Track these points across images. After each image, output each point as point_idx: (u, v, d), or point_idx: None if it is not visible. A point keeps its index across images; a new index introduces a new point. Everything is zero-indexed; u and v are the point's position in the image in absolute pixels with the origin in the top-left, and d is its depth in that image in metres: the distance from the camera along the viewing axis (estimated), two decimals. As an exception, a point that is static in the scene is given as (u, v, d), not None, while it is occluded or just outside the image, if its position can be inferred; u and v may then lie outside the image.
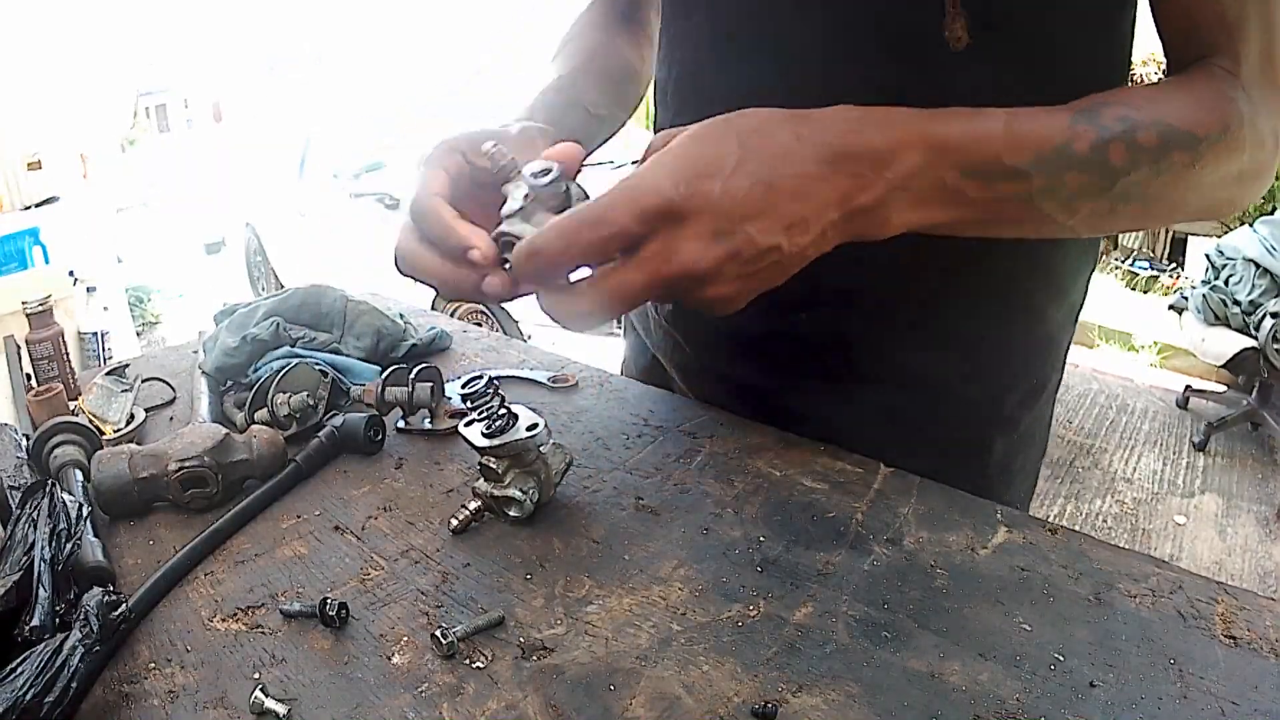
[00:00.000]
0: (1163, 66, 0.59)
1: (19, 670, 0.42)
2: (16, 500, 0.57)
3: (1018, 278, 0.68)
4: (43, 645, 0.44)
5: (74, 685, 0.43)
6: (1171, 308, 3.77)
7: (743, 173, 0.44)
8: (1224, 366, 3.46)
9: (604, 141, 0.75)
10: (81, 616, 0.46)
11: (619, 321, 0.93)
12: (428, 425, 0.73)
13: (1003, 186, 0.49)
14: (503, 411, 0.57)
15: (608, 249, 0.45)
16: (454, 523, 0.56)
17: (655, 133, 0.82)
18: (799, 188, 0.45)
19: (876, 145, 0.46)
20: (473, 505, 0.56)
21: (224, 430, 0.64)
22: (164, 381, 0.86)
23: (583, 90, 0.73)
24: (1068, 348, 0.77)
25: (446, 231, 0.50)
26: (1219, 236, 3.82)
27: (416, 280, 0.53)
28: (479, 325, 1.59)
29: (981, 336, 0.69)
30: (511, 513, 0.55)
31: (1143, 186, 0.50)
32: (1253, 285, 3.31)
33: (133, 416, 0.78)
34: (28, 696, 0.41)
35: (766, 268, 0.46)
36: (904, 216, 0.48)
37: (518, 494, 0.55)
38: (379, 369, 0.81)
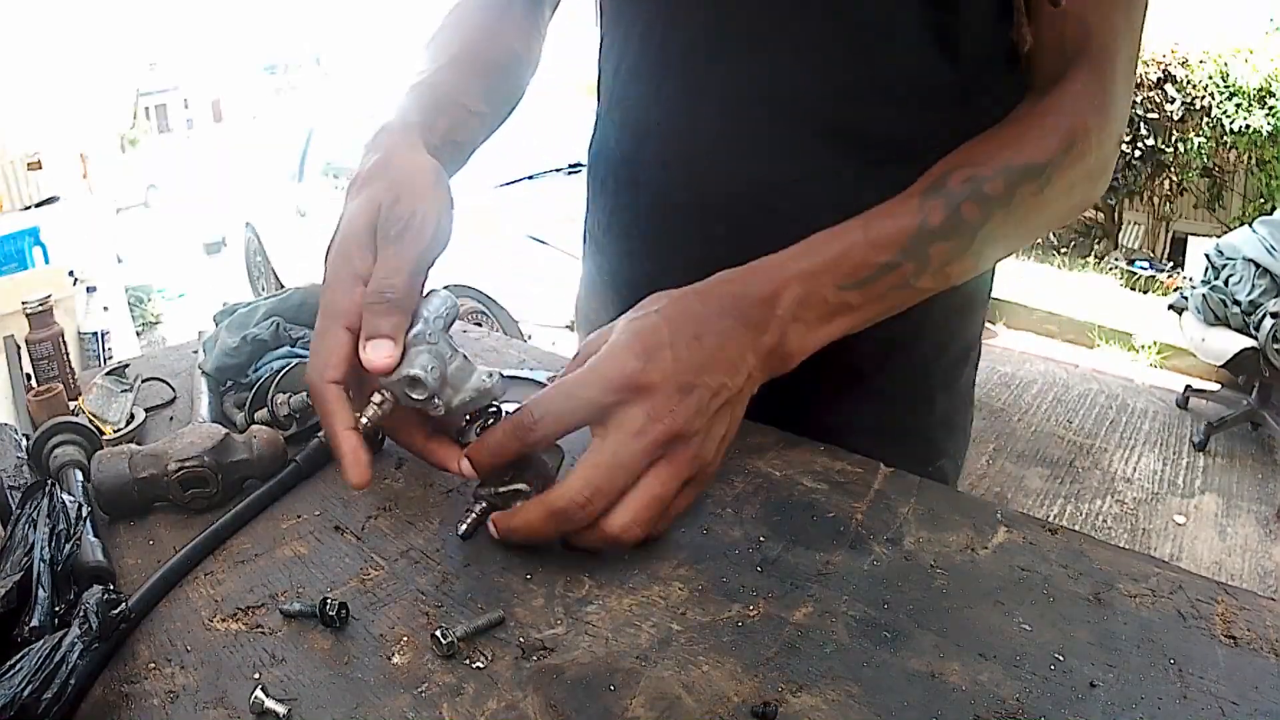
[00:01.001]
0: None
1: (17, 667, 0.42)
2: (16, 500, 0.57)
3: None
4: (41, 642, 0.44)
5: (72, 682, 0.43)
6: (1171, 308, 3.76)
7: (681, 341, 0.52)
8: (1224, 366, 3.46)
9: (484, 140, 0.71)
10: (81, 614, 0.46)
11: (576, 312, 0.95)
12: (428, 425, 0.73)
13: (879, 284, 0.56)
14: (494, 411, 0.57)
15: (574, 419, 0.52)
16: (463, 528, 0.56)
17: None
18: (722, 341, 0.53)
19: (762, 293, 0.54)
20: (479, 508, 0.56)
21: (224, 430, 0.64)
22: (164, 381, 0.86)
23: (459, 84, 0.67)
24: (984, 318, 0.84)
25: (335, 439, 0.50)
26: (1218, 236, 3.82)
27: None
28: (479, 325, 1.59)
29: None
30: (519, 506, 0.55)
31: (999, 230, 0.57)
32: (1252, 285, 3.31)
33: (133, 416, 0.78)
34: (25, 693, 0.41)
35: (722, 408, 0.52)
36: (805, 342, 0.55)
37: (524, 487, 0.55)
38: (379, 369, 0.80)
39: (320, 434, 0.69)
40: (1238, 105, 5.23)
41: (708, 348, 0.52)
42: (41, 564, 0.49)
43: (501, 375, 0.55)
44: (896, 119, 0.65)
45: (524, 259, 3.66)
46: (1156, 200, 6.04)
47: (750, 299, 0.54)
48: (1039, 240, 6.02)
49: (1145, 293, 5.19)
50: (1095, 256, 5.88)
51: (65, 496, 0.56)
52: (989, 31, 0.64)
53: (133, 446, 0.64)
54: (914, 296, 0.59)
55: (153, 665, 0.47)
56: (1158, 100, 5.60)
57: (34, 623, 0.46)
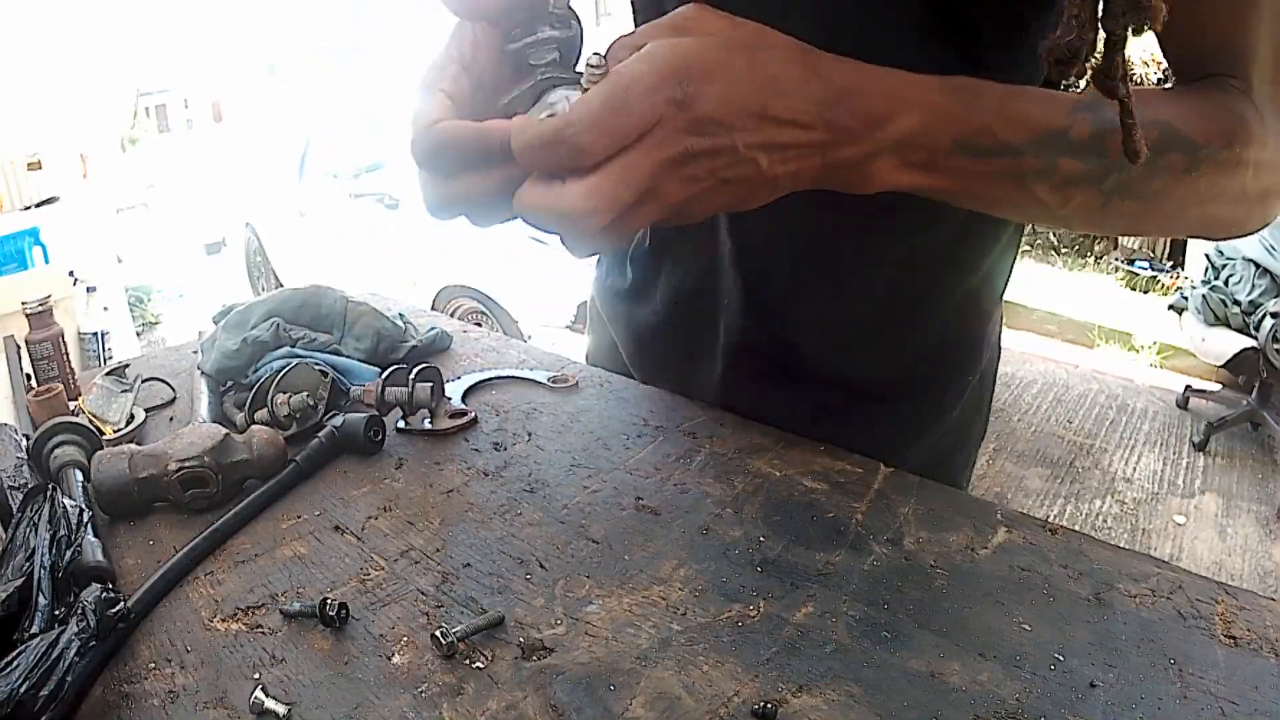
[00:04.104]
0: (1163, 67, 0.59)
1: (14, 664, 0.42)
2: (17, 501, 0.57)
3: (947, 282, 0.70)
4: (38, 639, 0.44)
5: (69, 679, 0.43)
6: (1171, 308, 3.77)
7: (744, 87, 0.43)
8: (1224, 366, 3.47)
9: None
10: (79, 612, 0.46)
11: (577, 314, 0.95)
12: (428, 425, 0.73)
13: (995, 163, 0.48)
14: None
15: (628, 136, 0.41)
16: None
17: None
18: (791, 120, 0.44)
19: (874, 108, 0.45)
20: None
21: (224, 430, 0.64)
22: (164, 381, 0.86)
23: None
24: (999, 324, 0.80)
25: (475, 138, 0.44)
26: (1219, 236, 3.81)
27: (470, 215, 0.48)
28: (479, 325, 1.59)
29: (926, 343, 0.72)
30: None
31: (1137, 184, 0.50)
32: (1253, 285, 3.31)
33: (133, 416, 0.78)
34: (22, 689, 0.41)
35: (738, 181, 0.44)
36: (889, 178, 0.47)
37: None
38: (379, 370, 0.81)
39: (321, 434, 0.69)
40: (1238, 105, 5.23)
41: (769, 119, 0.43)
42: (42, 570, 0.49)
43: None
44: None
45: (524, 259, 3.67)
46: (1156, 200, 6.01)
47: (857, 107, 0.45)
48: (1042, 242, 6.02)
49: (1145, 293, 5.19)
50: (1095, 256, 5.88)
51: (66, 501, 0.56)
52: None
53: (133, 446, 0.64)
54: (1022, 200, 0.51)
55: (153, 665, 0.47)
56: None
57: (34, 629, 0.46)
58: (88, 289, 3.37)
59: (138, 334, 5.05)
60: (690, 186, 0.43)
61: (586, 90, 0.43)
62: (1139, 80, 5.47)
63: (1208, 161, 0.50)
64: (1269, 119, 0.51)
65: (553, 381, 0.82)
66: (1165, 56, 0.56)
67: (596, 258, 0.88)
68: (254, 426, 0.68)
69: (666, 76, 0.41)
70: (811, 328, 0.71)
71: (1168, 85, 0.55)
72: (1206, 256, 3.61)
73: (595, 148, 0.41)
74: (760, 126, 0.43)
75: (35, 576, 0.49)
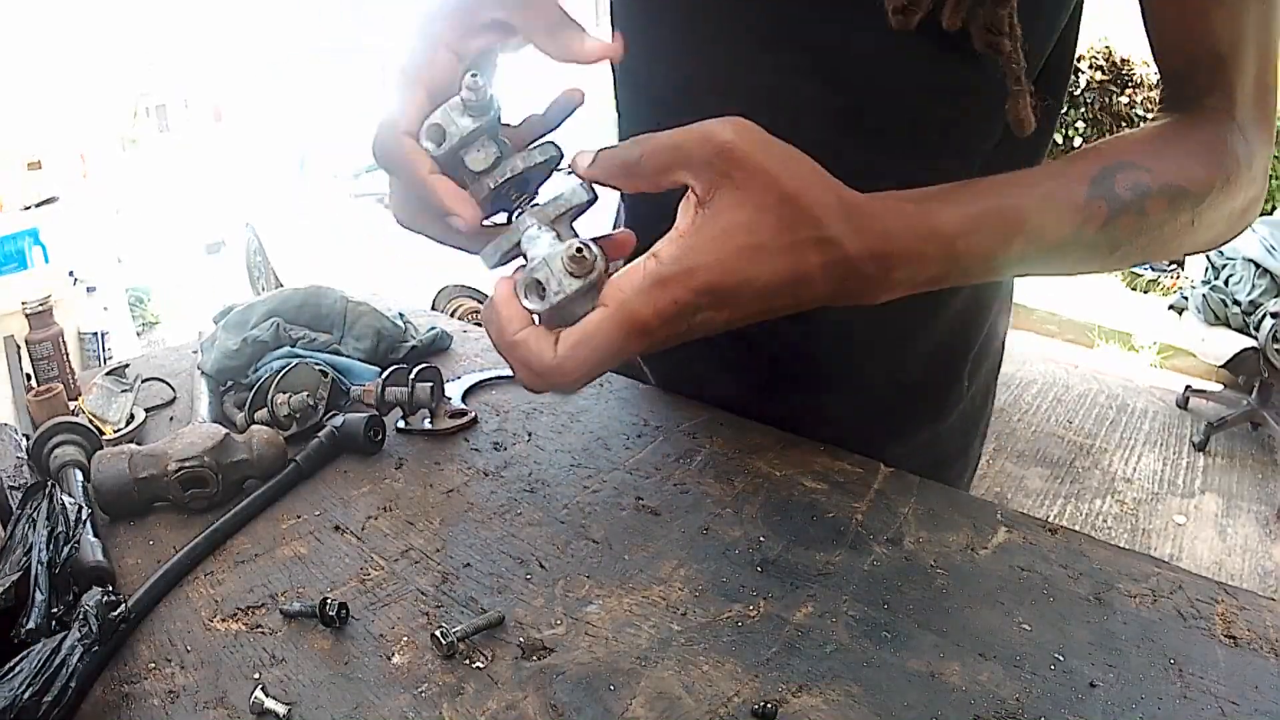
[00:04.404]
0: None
1: (17, 669, 0.42)
2: (16, 500, 0.57)
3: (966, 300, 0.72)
4: (41, 644, 0.44)
5: (72, 685, 0.43)
6: (1171, 308, 3.77)
7: (758, 300, 0.43)
8: (1224, 366, 3.47)
9: None
10: (80, 616, 0.46)
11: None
12: (428, 425, 0.73)
13: (1005, 268, 0.50)
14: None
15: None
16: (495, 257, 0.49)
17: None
18: (795, 305, 0.44)
19: (893, 275, 0.45)
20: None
21: (224, 430, 0.64)
22: (164, 381, 0.86)
23: None
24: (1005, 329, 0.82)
25: (424, 189, 0.46)
26: (1219, 236, 3.82)
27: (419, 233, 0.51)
28: (479, 325, 1.59)
29: (935, 341, 0.72)
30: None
31: (1136, 252, 0.52)
32: (1253, 285, 3.31)
33: (133, 416, 0.78)
34: (25, 695, 0.41)
35: (698, 327, 0.44)
36: (893, 294, 0.47)
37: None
38: (379, 370, 0.81)
39: (321, 434, 0.69)
40: (1238, 105, 5.22)
41: (769, 304, 0.43)
42: (39, 566, 0.49)
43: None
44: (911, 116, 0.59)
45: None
46: (1156, 200, 6.01)
47: (881, 277, 0.44)
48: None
49: (1145, 293, 5.19)
50: (1095, 256, 5.89)
51: (65, 498, 0.56)
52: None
53: (133, 446, 0.64)
54: (1030, 276, 0.54)
55: (153, 665, 0.47)
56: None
57: (30, 624, 0.46)
58: (88, 289, 3.37)
59: (138, 334, 5.05)
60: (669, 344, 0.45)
61: (573, 274, 0.42)
62: (1139, 80, 5.48)
63: (1208, 208, 0.52)
64: (1251, 137, 0.54)
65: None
66: (1156, 66, 0.58)
67: None
68: (254, 426, 0.68)
69: (672, 319, 0.42)
70: (808, 332, 0.70)
71: (1156, 119, 0.56)
72: (1206, 256, 3.61)
73: (584, 383, 0.43)
74: (761, 315, 0.44)
75: (33, 572, 0.49)
